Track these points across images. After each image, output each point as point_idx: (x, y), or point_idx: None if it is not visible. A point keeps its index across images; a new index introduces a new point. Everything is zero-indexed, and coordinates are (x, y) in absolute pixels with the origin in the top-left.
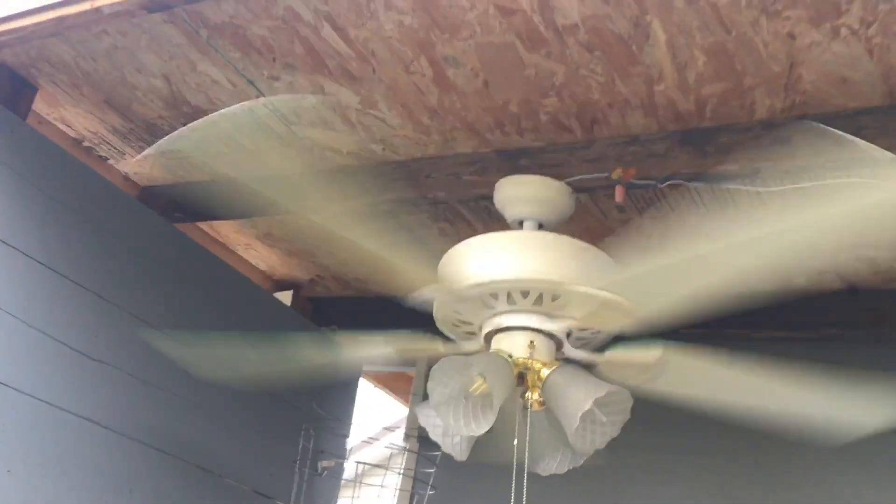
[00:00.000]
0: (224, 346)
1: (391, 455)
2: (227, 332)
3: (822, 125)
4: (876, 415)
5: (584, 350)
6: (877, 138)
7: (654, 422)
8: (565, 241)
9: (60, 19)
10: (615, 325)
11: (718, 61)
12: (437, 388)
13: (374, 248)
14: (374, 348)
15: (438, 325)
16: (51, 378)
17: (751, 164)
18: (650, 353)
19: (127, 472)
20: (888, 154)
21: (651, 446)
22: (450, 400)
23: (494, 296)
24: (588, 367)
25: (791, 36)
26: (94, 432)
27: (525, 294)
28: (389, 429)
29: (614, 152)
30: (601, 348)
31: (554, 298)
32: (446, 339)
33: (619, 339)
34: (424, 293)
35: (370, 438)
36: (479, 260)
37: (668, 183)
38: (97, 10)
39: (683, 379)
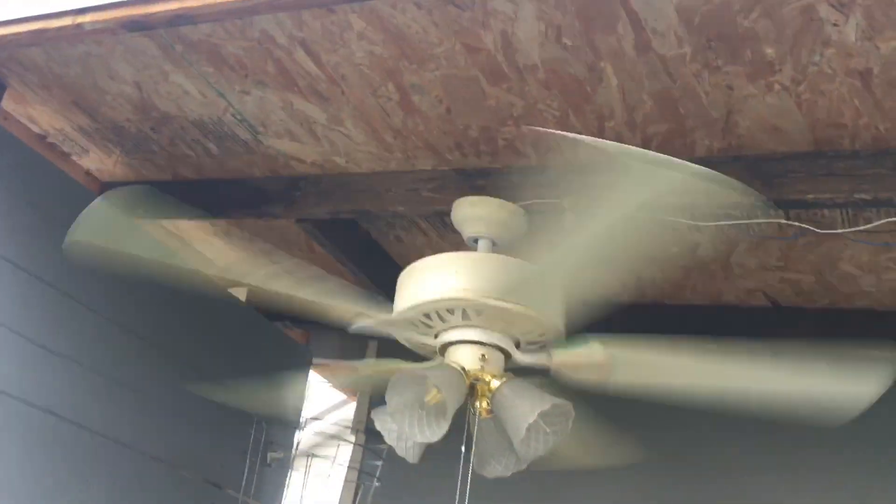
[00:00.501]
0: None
1: (317, 444)
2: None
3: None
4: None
5: (535, 356)
6: (802, 181)
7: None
8: (514, 262)
9: (41, 31)
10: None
11: (664, 105)
12: (395, 396)
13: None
14: (346, 374)
15: (399, 339)
16: (11, 371)
17: (688, 198)
18: (595, 351)
19: (84, 463)
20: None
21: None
22: (406, 408)
23: (451, 311)
24: (542, 372)
25: (729, 88)
26: (53, 424)
27: (479, 312)
28: (316, 418)
29: (566, 179)
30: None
31: (499, 315)
32: (413, 358)
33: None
34: (363, 322)
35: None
36: (432, 279)
37: None
38: (78, 25)
39: (635, 371)
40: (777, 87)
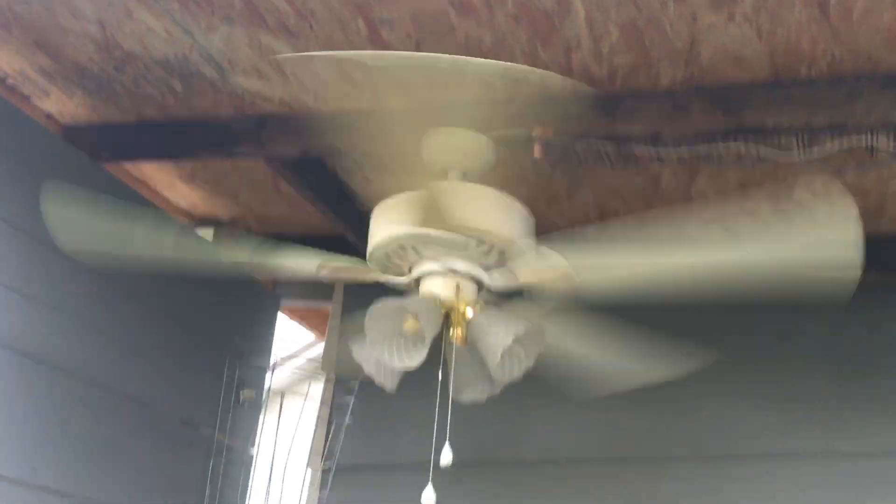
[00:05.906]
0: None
1: (295, 381)
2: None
3: None
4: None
5: (504, 277)
6: (761, 108)
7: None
8: (500, 195)
9: None
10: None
11: (629, 36)
12: (374, 326)
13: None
14: (302, 261)
15: (370, 264)
16: None
17: (652, 127)
18: (552, 259)
19: (64, 405)
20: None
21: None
22: (385, 337)
23: (424, 244)
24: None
25: (693, 18)
26: (32, 368)
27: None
28: (289, 357)
29: (533, 111)
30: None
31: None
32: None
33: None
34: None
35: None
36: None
37: (580, 142)
38: None
39: (599, 271)
40: (739, 16)
